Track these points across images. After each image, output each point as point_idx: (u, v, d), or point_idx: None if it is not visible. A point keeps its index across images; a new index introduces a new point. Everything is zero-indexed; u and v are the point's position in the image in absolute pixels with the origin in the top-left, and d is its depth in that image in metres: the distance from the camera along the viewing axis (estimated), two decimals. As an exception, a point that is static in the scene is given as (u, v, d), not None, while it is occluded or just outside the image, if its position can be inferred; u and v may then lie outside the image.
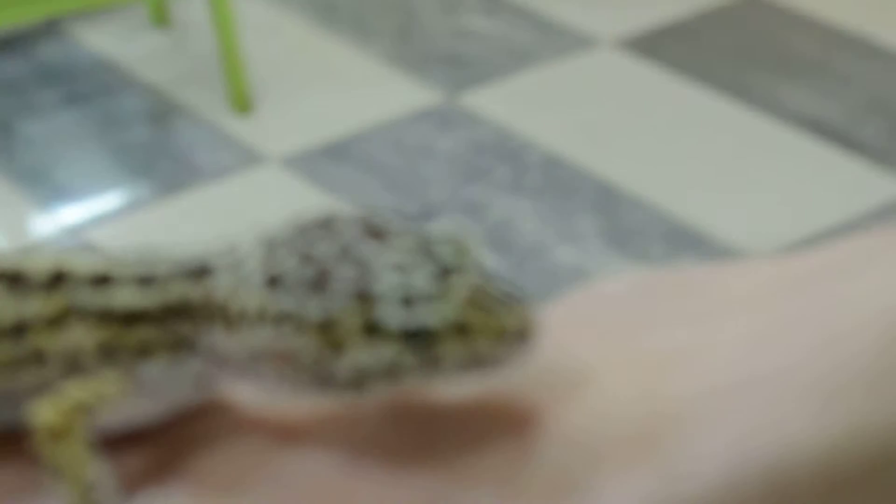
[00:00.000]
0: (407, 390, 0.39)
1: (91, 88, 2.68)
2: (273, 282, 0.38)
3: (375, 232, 0.38)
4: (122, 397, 0.39)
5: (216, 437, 0.40)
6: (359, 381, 0.37)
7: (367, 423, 0.39)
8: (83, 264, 0.40)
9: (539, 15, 2.87)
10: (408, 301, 0.37)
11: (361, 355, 0.37)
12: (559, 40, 2.79)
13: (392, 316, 0.37)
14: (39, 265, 0.40)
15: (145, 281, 0.40)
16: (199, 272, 0.39)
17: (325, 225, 0.39)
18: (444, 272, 0.37)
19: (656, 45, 2.76)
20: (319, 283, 0.37)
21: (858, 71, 2.66)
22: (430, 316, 0.37)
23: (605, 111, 2.57)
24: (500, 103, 2.60)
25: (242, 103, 2.58)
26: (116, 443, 0.40)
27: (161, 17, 2.86)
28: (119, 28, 2.86)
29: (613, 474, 0.36)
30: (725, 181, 2.36)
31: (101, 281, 0.40)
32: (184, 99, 2.64)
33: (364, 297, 0.37)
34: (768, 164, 2.40)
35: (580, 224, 2.27)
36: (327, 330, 0.37)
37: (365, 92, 2.66)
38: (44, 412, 0.39)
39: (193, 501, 0.38)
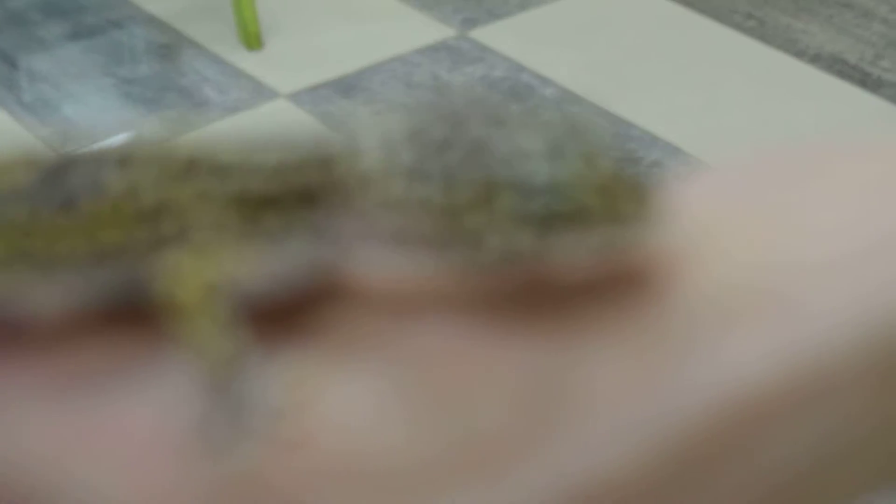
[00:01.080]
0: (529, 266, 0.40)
1: (98, 21, 2.67)
2: (408, 169, 0.39)
3: (502, 121, 0.40)
4: (252, 277, 0.41)
5: (338, 308, 0.41)
6: (487, 262, 0.39)
7: (485, 291, 0.40)
8: (216, 153, 0.42)
9: (553, -51, 2.85)
10: (539, 188, 0.38)
11: (493, 240, 0.38)
12: (573, -26, 2.78)
13: (524, 203, 0.38)
14: (176, 153, 0.42)
15: (278, 168, 0.41)
16: (330, 159, 0.41)
17: (453, 114, 0.40)
18: (575, 158, 0.39)
19: (672, -20, 2.74)
20: (453, 170, 0.39)
21: (877, 6, 2.64)
22: (562, 204, 0.38)
23: (619, 47, 2.56)
24: (513, 38, 2.59)
25: (252, 38, 2.57)
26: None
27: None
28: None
29: (739, 332, 0.37)
30: (741, 119, 2.35)
31: (234, 168, 0.41)
32: (192, 33, 2.63)
33: (496, 185, 0.38)
34: (785, 101, 2.39)
35: (594, 162, 2.26)
36: (460, 215, 0.38)
37: (375, 27, 2.64)
38: (181, 281, 0.40)
39: (319, 367, 0.40)
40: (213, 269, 0.41)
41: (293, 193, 0.41)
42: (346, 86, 2.46)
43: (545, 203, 0.38)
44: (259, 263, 0.41)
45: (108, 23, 2.67)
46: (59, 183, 0.42)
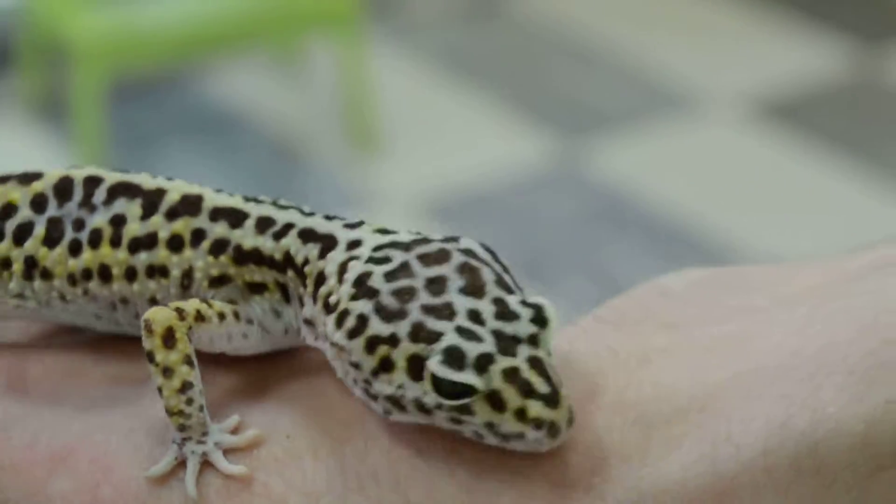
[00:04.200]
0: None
1: (219, 140, 2.71)
2: (360, 285, 0.43)
3: (472, 281, 0.42)
4: (223, 321, 0.45)
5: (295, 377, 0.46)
6: (393, 402, 0.42)
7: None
8: (216, 197, 0.47)
9: (662, 74, 2.87)
10: (457, 359, 0.41)
11: (398, 381, 0.41)
12: (681, 101, 2.79)
13: (436, 363, 0.41)
14: (177, 190, 0.47)
15: (267, 226, 0.46)
16: (318, 239, 0.45)
17: (436, 256, 0.43)
18: (509, 341, 0.41)
19: (785, 111, 2.74)
20: (396, 303, 0.42)
21: None
22: (467, 378, 0.40)
23: (730, 174, 2.56)
24: (625, 163, 2.60)
25: (366, 148, 2.62)
26: (219, 363, 0.47)
27: (288, 62, 2.90)
28: (245, 77, 2.91)
29: (662, 447, 0.41)
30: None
31: (227, 214, 0.46)
32: (308, 145, 2.67)
33: (423, 336, 0.41)
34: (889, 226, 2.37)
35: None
36: (380, 347, 0.42)
37: (488, 143, 2.67)
38: (157, 312, 0.44)
39: (269, 419, 0.44)
40: (186, 304, 0.45)
41: (274, 256, 0.45)
42: (459, 201, 2.49)
43: (447, 370, 0.40)
44: (228, 312, 0.46)
45: (229, 140, 2.73)
46: (59, 221, 0.47)
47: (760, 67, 2.89)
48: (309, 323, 0.44)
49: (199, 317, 0.45)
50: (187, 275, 0.46)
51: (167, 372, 0.44)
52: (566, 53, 2.97)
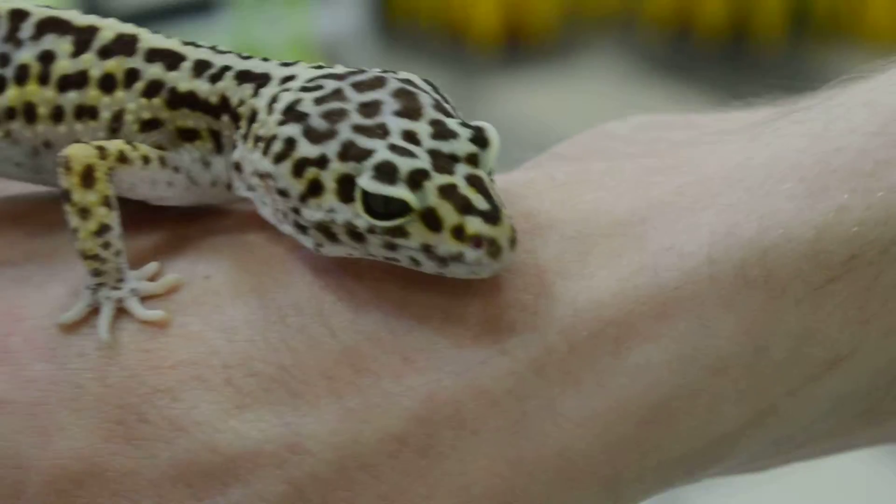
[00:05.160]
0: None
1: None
2: (289, 111, 0.40)
3: (408, 104, 0.40)
4: (147, 165, 0.42)
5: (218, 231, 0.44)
6: (324, 230, 0.39)
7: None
8: (152, 38, 0.44)
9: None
10: (388, 173, 0.38)
11: (328, 204, 0.39)
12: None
13: (367, 178, 0.38)
14: (111, 28, 0.44)
15: (204, 69, 0.43)
16: (253, 78, 0.42)
17: (371, 82, 0.41)
18: (446, 159, 0.39)
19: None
20: (325, 124, 0.39)
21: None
22: (400, 192, 0.38)
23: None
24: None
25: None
26: (146, 214, 0.44)
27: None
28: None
29: (600, 259, 0.39)
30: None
31: (164, 56, 0.43)
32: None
33: (353, 155, 0.38)
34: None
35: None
36: (308, 169, 0.39)
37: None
38: (76, 149, 0.41)
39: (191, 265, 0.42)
40: (108, 142, 0.42)
41: (208, 99, 0.43)
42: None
43: (378, 186, 0.38)
44: (153, 157, 0.43)
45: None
46: None
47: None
48: (239, 168, 0.42)
49: (122, 158, 0.42)
50: (117, 117, 0.43)
51: (84, 213, 0.41)
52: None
